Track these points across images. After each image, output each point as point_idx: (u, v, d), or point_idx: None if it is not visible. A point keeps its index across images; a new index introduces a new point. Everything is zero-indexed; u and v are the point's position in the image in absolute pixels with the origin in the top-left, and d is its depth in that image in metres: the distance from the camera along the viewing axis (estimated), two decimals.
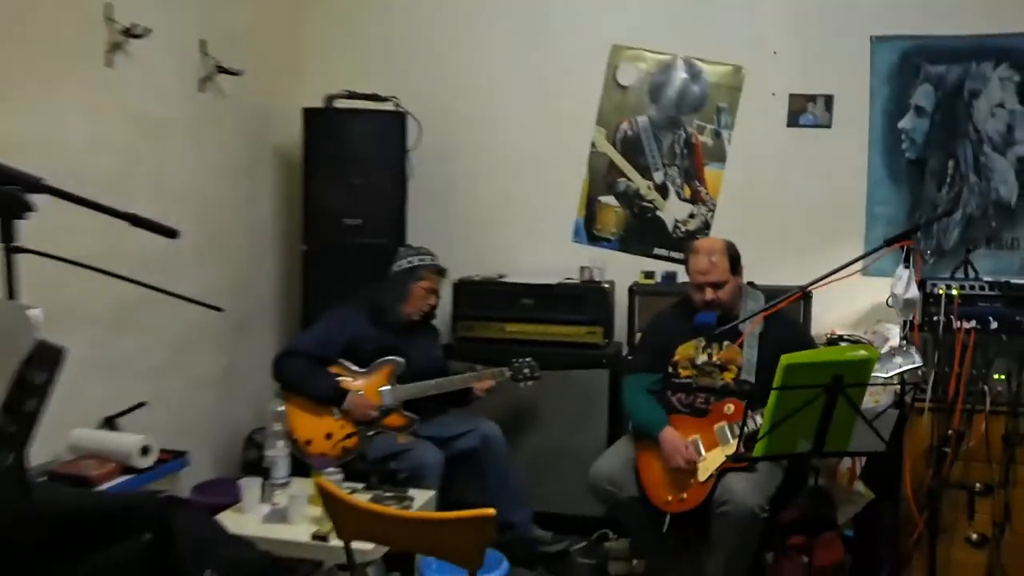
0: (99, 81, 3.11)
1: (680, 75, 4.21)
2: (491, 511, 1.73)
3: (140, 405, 3.24)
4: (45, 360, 0.88)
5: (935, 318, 2.89)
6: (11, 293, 1.26)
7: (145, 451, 2.90)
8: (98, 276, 1.70)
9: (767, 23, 4.06)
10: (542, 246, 4.36)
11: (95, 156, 3.02)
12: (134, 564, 1.70)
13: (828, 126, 4.04)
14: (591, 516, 3.48)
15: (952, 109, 3.87)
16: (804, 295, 3.48)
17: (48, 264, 1.41)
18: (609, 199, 4.33)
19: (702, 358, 3.18)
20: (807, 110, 4.05)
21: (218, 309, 1.93)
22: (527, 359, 3.59)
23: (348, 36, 4.53)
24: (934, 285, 2.93)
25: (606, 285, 4.04)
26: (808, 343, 3.24)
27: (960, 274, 3.11)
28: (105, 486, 2.72)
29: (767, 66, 4.08)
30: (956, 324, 2.82)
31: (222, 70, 3.76)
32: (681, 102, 4.22)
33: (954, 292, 2.89)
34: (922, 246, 3.85)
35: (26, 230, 1.37)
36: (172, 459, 3.07)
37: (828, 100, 4.03)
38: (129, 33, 3.16)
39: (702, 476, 2.96)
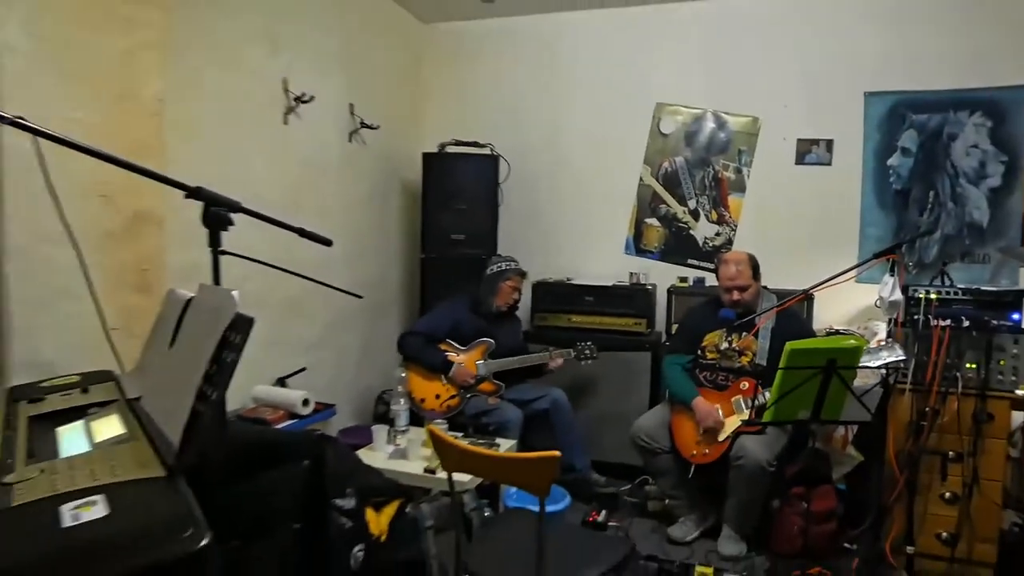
0: (278, 135, 3.23)
1: (709, 125, 4.11)
2: (556, 453, 1.72)
3: (302, 370, 3.35)
4: (241, 326, 0.92)
5: (916, 317, 2.73)
6: (217, 282, 1.32)
7: (305, 403, 3.00)
8: (275, 273, 1.75)
9: (779, 82, 3.92)
10: (600, 256, 4.31)
11: (273, 188, 3.14)
12: (296, 481, 1.75)
13: (829, 164, 3.87)
14: (635, 465, 3.42)
15: (933, 149, 3.66)
16: (807, 297, 3.37)
17: (241, 263, 1.47)
18: (653, 220, 4.26)
19: (724, 345, 3.11)
20: (811, 151, 3.90)
21: (359, 296, 1.99)
22: (588, 343, 3.57)
23: (455, 98, 4.58)
24: (915, 291, 2.77)
25: (649, 287, 3.98)
26: (809, 334, 3.14)
27: (938, 282, 2.94)
28: (277, 426, 2.85)
29: (779, 116, 3.94)
30: (933, 322, 2.67)
31: (364, 125, 3.86)
32: (710, 146, 4.12)
33: (932, 296, 2.73)
34: (906, 259, 3.66)
35: (227, 239, 1.44)
36: (324, 409, 3.16)
37: (829, 143, 3.86)
38: (299, 100, 3.27)
39: (721, 436, 2.90)
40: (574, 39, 4.32)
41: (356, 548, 1.91)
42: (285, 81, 3.22)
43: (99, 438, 1.02)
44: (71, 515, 0.73)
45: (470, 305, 3.61)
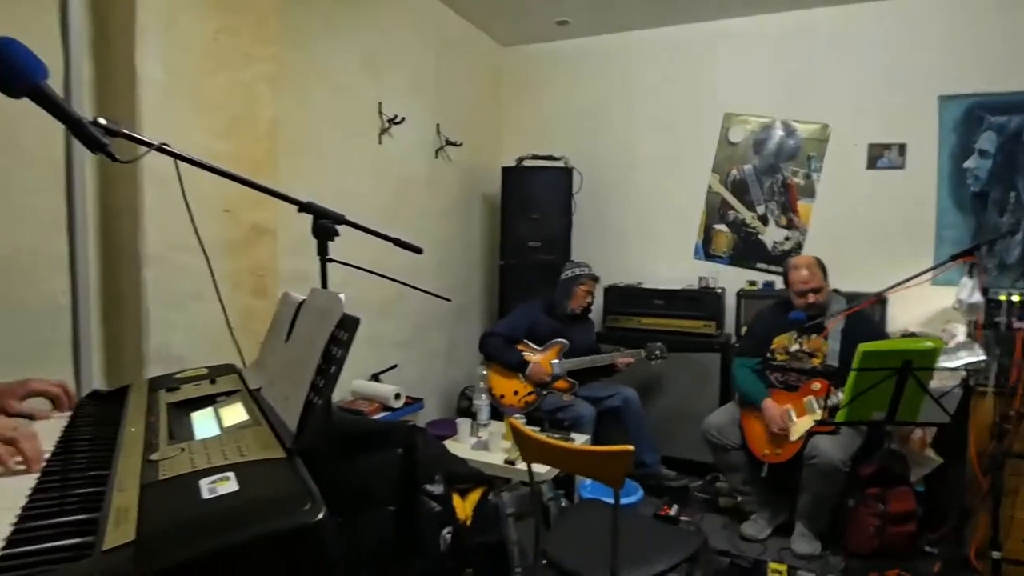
0: (373, 153, 3.34)
1: (778, 133, 3.95)
2: (630, 448, 1.70)
3: (393, 367, 3.44)
4: (348, 325, 0.95)
5: (997, 319, 2.53)
6: (324, 287, 1.38)
7: (397, 397, 3.07)
8: (370, 278, 1.81)
9: (849, 89, 3.72)
10: (670, 262, 4.22)
11: (369, 201, 3.25)
12: (391, 467, 1.80)
13: (902, 168, 3.64)
14: (705, 462, 3.33)
15: (1013, 151, 3.37)
16: (880, 299, 3.18)
17: (342, 269, 1.51)
18: (721, 226, 4.14)
19: (794, 347, 2.98)
20: (883, 156, 3.68)
21: (447, 299, 2.01)
22: (658, 344, 3.50)
23: (532, 115, 4.60)
24: (996, 293, 2.56)
25: (719, 290, 3.86)
26: (881, 337, 2.96)
27: (1021, 284, 2.70)
28: (373, 417, 2.94)
29: (849, 122, 3.74)
30: (1017, 324, 2.46)
31: (449, 143, 3.93)
32: (779, 153, 3.96)
33: (1015, 298, 2.52)
34: (985, 261, 3.38)
35: (331, 248, 1.50)
36: (413, 403, 3.22)
37: (902, 147, 3.63)
38: (392, 121, 3.38)
39: (793, 436, 2.78)
40: (643, 56, 4.26)
41: (444, 531, 1.94)
42: (380, 105, 3.33)
43: (227, 423, 1.08)
44: (208, 488, 0.78)
45: (545, 308, 3.61)
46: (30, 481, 0.91)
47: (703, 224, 4.17)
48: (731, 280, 3.97)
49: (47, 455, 0.99)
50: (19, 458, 0.93)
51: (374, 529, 1.77)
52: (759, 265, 4.04)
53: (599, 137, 4.38)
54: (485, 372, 3.28)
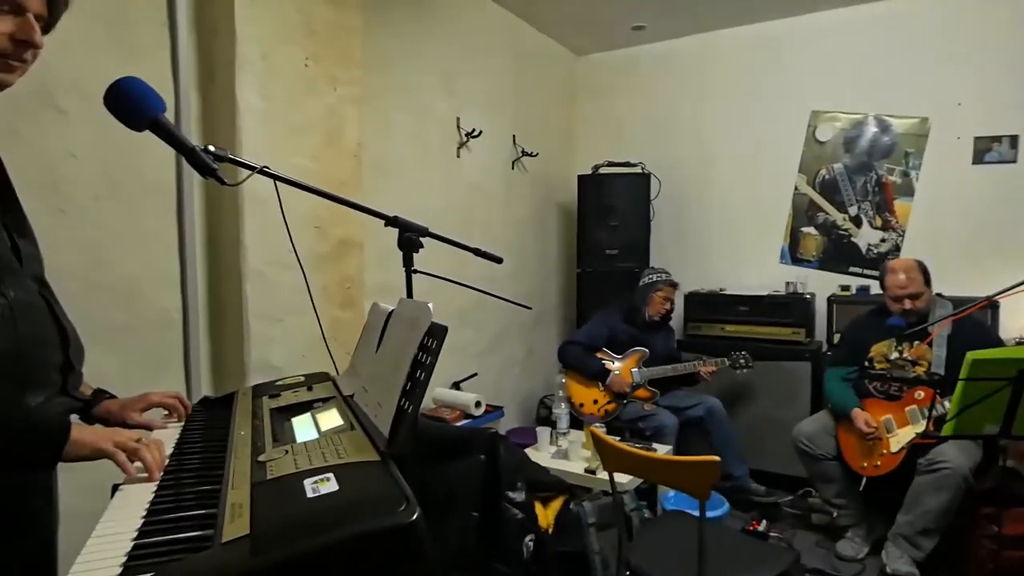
0: (451, 167, 3.43)
1: (871, 129, 3.75)
2: (716, 458, 1.66)
3: (473, 375, 3.50)
4: (436, 333, 0.99)
5: None
6: (410, 297, 1.44)
7: (477, 405, 3.13)
8: (450, 287, 1.83)
9: (950, 80, 3.49)
10: (754, 266, 4.08)
11: (447, 212, 3.34)
12: (474, 473, 1.85)
13: (1013, 161, 3.36)
14: (797, 476, 3.18)
15: None
16: (991, 304, 2.95)
17: (425, 280, 1.55)
18: (810, 229, 3.96)
19: (894, 354, 2.81)
20: (992, 149, 3.41)
21: (528, 308, 2.04)
22: (743, 352, 3.38)
23: (607, 122, 4.59)
24: None
25: (807, 296, 3.70)
26: (995, 343, 2.73)
27: None
28: (455, 424, 3.01)
29: (951, 115, 3.50)
30: None
31: (525, 154, 3.99)
32: (872, 150, 3.76)
33: None
34: None
35: (414, 259, 1.56)
36: (494, 411, 3.26)
37: (1013, 139, 3.36)
38: (469, 135, 3.46)
39: (894, 448, 2.61)
40: (723, 56, 4.16)
41: (527, 538, 1.96)
42: (458, 119, 3.43)
43: (324, 427, 1.15)
44: (311, 487, 0.84)
45: (624, 315, 3.57)
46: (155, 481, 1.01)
47: (789, 227, 4.01)
48: (820, 285, 3.79)
49: (168, 456, 1.09)
50: (140, 465, 1.02)
51: (458, 534, 1.82)
52: (852, 269, 3.83)
53: (676, 141, 4.31)
54: (564, 380, 3.29)
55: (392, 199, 2.86)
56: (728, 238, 4.20)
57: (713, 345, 3.66)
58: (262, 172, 1.20)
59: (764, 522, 2.98)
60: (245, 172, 1.23)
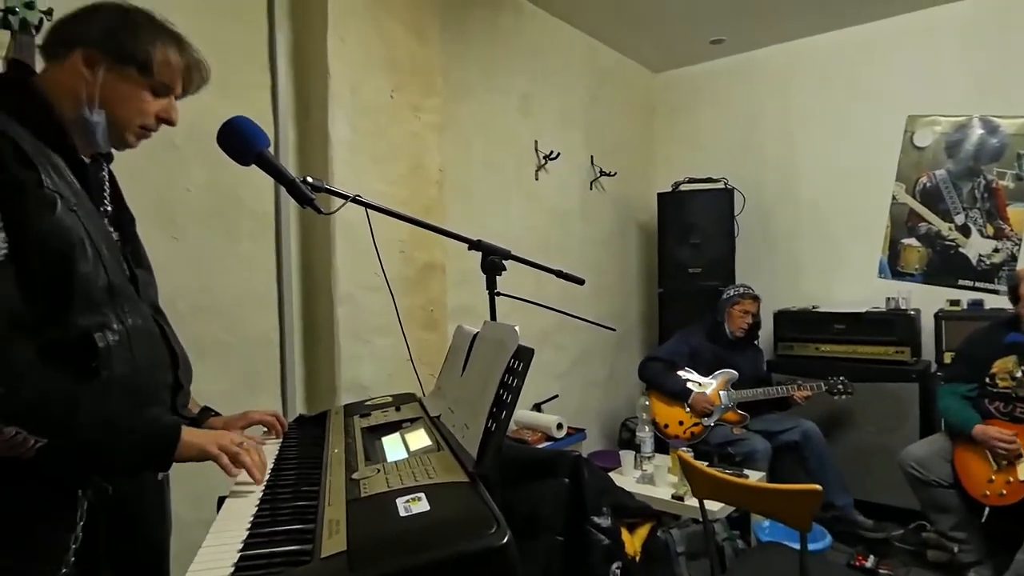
0: (530, 189, 3.46)
1: (976, 132, 3.48)
2: (818, 487, 1.56)
3: (554, 397, 3.48)
4: (523, 356, 0.99)
5: None
6: (493, 319, 1.45)
7: (559, 427, 3.10)
8: (530, 309, 1.80)
9: None
10: (849, 282, 3.85)
11: (526, 235, 3.36)
12: (558, 496, 1.81)
13: None
14: (907, 508, 2.93)
15: None
16: None
17: (506, 302, 1.53)
18: (911, 240, 3.70)
19: (1020, 372, 2.55)
20: None
21: (612, 329, 2.01)
22: (840, 377, 3.17)
23: (687, 138, 4.51)
24: None
25: (912, 312, 3.44)
26: None
27: None
28: (537, 447, 2.98)
29: None
30: None
31: (603, 173, 3.97)
32: (979, 154, 3.48)
33: None
34: None
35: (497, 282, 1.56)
36: (576, 433, 3.22)
37: None
38: (547, 157, 3.49)
39: (1022, 474, 2.36)
40: (806, 65, 4.01)
41: (614, 565, 1.90)
42: (536, 142, 3.46)
43: (413, 447, 1.17)
44: (404, 507, 0.85)
45: (706, 333, 3.45)
46: (257, 492, 1.06)
47: (887, 239, 3.76)
48: (925, 300, 3.52)
49: (267, 474, 1.15)
50: (242, 470, 1.08)
51: (543, 558, 1.78)
52: (962, 282, 3.54)
53: (760, 154, 4.17)
54: (648, 402, 3.20)
55: (472, 223, 2.92)
56: (820, 253, 3.99)
57: (806, 366, 3.47)
58: (354, 200, 1.26)
59: (872, 557, 2.76)
60: (338, 201, 1.29)
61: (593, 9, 3.54)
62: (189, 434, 1.06)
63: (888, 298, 3.54)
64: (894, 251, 3.75)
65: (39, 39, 1.42)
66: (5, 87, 1.02)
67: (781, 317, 3.75)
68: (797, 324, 3.70)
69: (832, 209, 3.94)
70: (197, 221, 2.04)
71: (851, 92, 3.84)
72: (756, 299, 3.41)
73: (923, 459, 2.65)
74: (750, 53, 4.20)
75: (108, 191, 1.14)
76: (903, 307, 3.47)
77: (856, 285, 3.81)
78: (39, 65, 1.12)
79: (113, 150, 1.14)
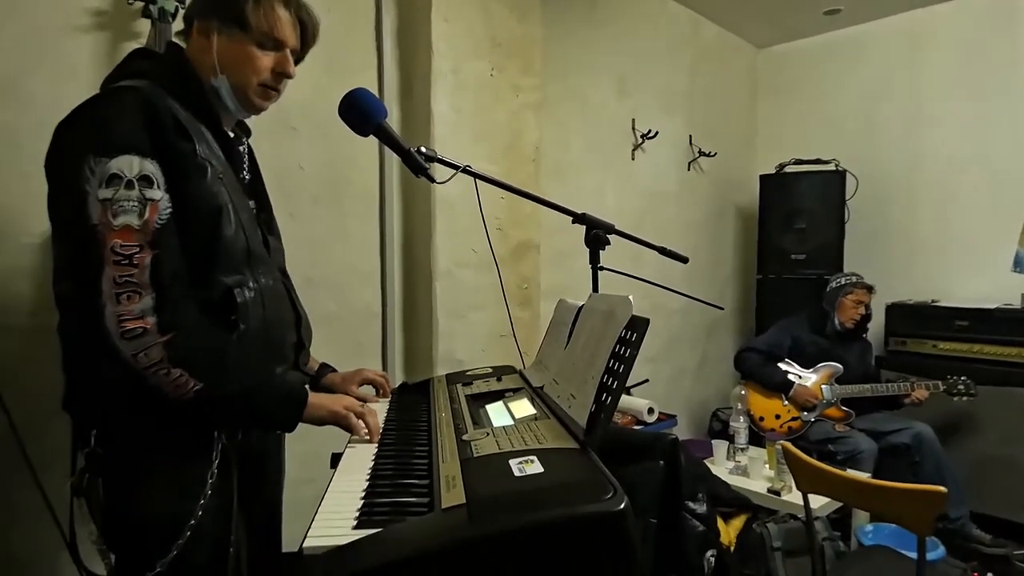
0: (626, 169, 3.41)
1: None
2: (942, 488, 1.46)
3: (645, 381, 3.43)
4: (637, 326, 0.99)
5: None
6: (595, 290, 1.45)
7: (650, 411, 3.04)
8: (622, 287, 1.80)
9: None
10: (975, 275, 3.55)
11: (620, 215, 3.25)
12: (654, 478, 1.80)
13: None
14: None
15: None
16: None
17: (601, 280, 1.57)
18: None
19: None
20: None
21: (720, 308, 1.95)
22: (962, 377, 2.94)
23: (793, 118, 4.28)
24: None
25: None
26: None
27: None
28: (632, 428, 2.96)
29: None
30: None
31: (701, 154, 3.85)
32: None
33: None
34: None
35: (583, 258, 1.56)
36: (666, 419, 3.16)
37: None
38: (645, 136, 3.42)
39: None
40: (935, 34, 3.70)
41: (708, 553, 1.87)
42: (633, 121, 3.40)
43: (518, 415, 1.19)
44: (518, 467, 0.88)
45: (811, 324, 3.28)
46: (371, 449, 1.12)
47: None
48: None
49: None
50: (366, 430, 1.15)
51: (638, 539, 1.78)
52: None
53: (877, 135, 3.90)
54: (744, 392, 3.09)
55: (566, 202, 2.86)
56: (942, 243, 3.70)
57: (920, 364, 3.25)
58: (465, 171, 1.29)
59: (989, 575, 2.56)
60: (445, 172, 1.32)
61: None
62: (318, 397, 1.14)
63: (1023, 294, 3.24)
64: None
65: (175, 26, 1.55)
66: (163, 65, 1.12)
67: (894, 310, 3.52)
68: (913, 318, 3.46)
69: (959, 196, 3.63)
70: (310, 199, 2.16)
71: (989, 63, 3.51)
72: (871, 289, 3.21)
73: None
74: (869, 24, 3.92)
75: (247, 163, 1.23)
76: None
77: (983, 279, 3.50)
78: None
79: (246, 117, 1.23)
